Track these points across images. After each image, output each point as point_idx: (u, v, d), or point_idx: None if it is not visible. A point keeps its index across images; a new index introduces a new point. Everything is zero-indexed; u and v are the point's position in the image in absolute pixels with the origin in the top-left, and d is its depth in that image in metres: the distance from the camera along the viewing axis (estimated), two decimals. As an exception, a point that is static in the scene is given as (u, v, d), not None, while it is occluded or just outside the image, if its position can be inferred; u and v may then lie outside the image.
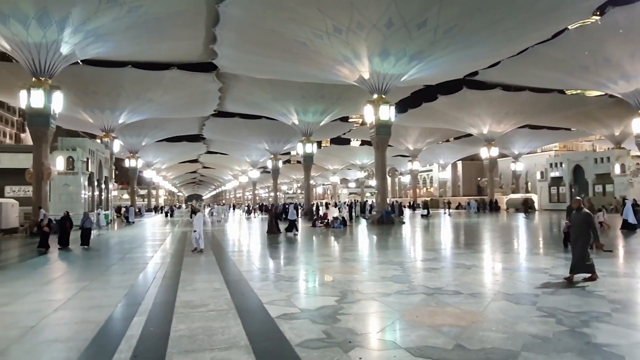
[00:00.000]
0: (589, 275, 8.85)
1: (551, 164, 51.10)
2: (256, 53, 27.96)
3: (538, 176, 52.94)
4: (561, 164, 49.60)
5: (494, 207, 45.96)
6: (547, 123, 50.60)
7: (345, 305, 7.24)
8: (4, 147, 54.47)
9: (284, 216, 28.53)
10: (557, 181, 49.94)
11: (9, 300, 8.05)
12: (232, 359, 4.86)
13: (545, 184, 51.33)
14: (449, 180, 78.07)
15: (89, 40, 23.33)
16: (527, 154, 62.02)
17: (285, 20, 23.19)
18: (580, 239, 8.93)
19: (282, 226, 23.18)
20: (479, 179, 71.51)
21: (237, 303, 7.43)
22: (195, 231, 15.13)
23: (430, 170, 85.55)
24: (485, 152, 48.91)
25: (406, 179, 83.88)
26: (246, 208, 54.92)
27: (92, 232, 18.03)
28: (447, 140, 66.90)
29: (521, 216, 35.47)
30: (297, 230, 21.70)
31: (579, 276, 8.90)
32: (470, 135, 52.11)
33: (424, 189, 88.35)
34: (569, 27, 27.15)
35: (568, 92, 45.15)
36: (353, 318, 6.53)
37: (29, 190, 26.55)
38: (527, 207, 40.86)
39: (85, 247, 16.53)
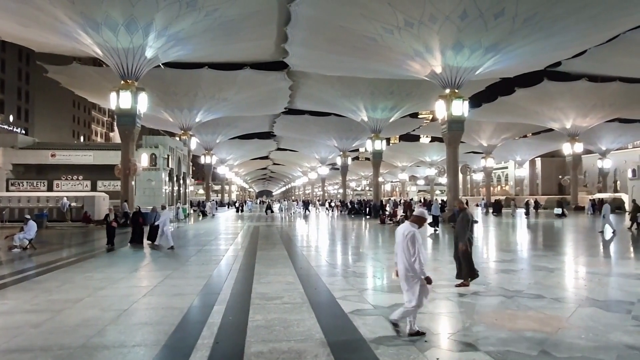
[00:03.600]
0: (463, 280, 8.22)
1: (645, 161, 46.52)
2: (326, 50, 28.18)
3: (629, 174, 48.41)
4: (657, 160, 45.02)
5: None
6: (640, 116, 46.19)
7: (419, 304, 7.09)
8: (96, 145, 59.44)
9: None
10: (652, 180, 45.40)
11: (105, 284, 8.81)
12: (308, 351, 4.95)
13: (639, 182, 46.89)
14: (526, 178, 73.88)
15: (170, 44, 24.77)
16: (617, 150, 56.95)
17: (356, 16, 23.12)
18: (461, 240, 8.33)
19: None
20: (560, 177, 66.97)
21: (311, 297, 7.56)
22: (157, 225, 14.67)
23: (506, 168, 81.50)
24: (568, 148, 45.52)
25: (478, 177, 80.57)
26: (301, 204, 46.94)
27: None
28: (525, 136, 63.30)
29: (611, 217, 32.66)
30: (438, 227, 21.41)
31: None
32: (551, 130, 48.89)
33: (498, 187, 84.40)
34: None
35: (666, 82, 40.84)
36: (428, 317, 6.38)
37: (117, 185, 28.81)
38: (616, 207, 37.48)
39: (154, 243, 15.32)
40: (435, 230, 20.70)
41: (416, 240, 5.21)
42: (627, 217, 22.75)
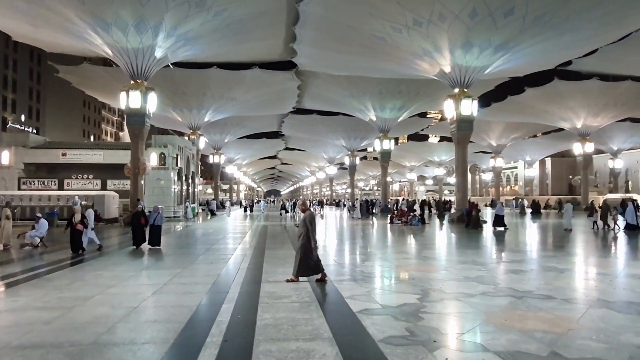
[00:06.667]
0: (320, 276, 8.67)
1: (658, 161, 45.95)
2: (335, 50, 28.19)
3: (641, 174, 47.94)
4: (670, 160, 44.46)
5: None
6: (653, 116, 45.62)
7: (428, 303, 7.07)
8: (106, 144, 59.92)
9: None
10: (664, 180, 44.86)
11: (114, 282, 8.88)
12: (316, 350, 4.95)
13: (650, 182, 46.35)
14: (535, 178, 73.33)
15: (179, 44, 24.91)
16: (628, 149, 56.30)
17: (364, 16, 23.08)
18: (300, 239, 8.69)
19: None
20: (570, 177, 66.43)
21: (319, 296, 7.57)
22: (92, 228, 13.59)
23: (515, 168, 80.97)
24: (578, 148, 45.02)
25: (487, 177, 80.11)
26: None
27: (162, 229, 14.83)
28: (535, 136, 62.90)
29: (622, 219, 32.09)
30: (506, 226, 21.67)
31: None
32: (561, 130, 48.46)
33: (507, 187, 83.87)
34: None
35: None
36: (436, 317, 6.37)
37: (127, 184, 29.02)
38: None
39: (154, 247, 14.07)
40: (495, 229, 21.22)
41: None
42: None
